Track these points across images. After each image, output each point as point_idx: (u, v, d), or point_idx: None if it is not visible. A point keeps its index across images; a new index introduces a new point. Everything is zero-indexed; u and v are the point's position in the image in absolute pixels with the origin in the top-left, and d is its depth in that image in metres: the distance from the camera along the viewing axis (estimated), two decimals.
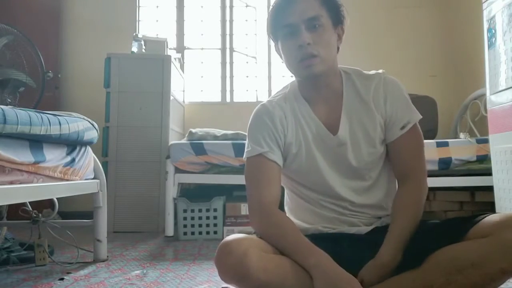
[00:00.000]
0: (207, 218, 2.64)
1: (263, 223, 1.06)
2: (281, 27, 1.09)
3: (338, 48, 1.14)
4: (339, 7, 1.12)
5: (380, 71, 1.17)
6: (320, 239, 1.07)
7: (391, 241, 1.00)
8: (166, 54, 3.13)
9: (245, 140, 3.09)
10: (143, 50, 3.15)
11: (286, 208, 1.26)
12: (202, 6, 3.93)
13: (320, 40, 1.06)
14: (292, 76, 1.22)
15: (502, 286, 0.93)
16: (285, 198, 1.27)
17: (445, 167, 2.62)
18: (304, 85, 1.16)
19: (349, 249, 1.04)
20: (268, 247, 0.99)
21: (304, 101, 1.16)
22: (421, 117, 1.13)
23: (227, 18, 3.91)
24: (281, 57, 1.16)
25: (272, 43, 1.18)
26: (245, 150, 1.17)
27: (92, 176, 1.98)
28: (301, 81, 1.17)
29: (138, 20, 3.85)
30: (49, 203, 2.18)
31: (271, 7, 1.13)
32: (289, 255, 0.98)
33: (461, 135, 2.87)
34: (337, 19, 1.11)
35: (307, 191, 1.16)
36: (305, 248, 0.98)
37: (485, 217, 0.94)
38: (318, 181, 1.13)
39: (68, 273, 1.77)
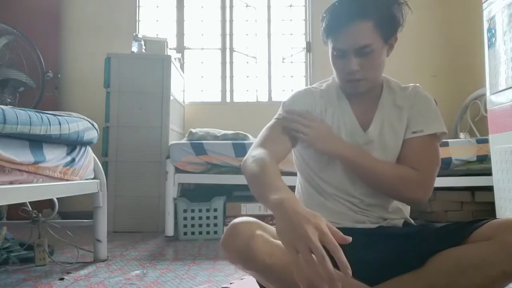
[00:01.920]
0: (207, 218, 2.65)
1: (247, 156, 1.09)
2: (332, 46, 1.09)
3: (389, 54, 1.14)
4: (395, 19, 1.07)
5: (417, 84, 1.21)
6: None
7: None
8: (166, 54, 3.13)
9: (245, 140, 3.08)
10: (143, 50, 3.15)
11: (296, 197, 1.26)
12: (202, 6, 3.93)
13: (369, 65, 1.07)
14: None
15: None
16: (296, 187, 1.28)
17: (446, 167, 2.62)
18: (345, 90, 1.19)
19: (352, 245, 1.04)
20: (275, 232, 0.99)
21: (343, 95, 1.19)
22: (440, 131, 1.12)
23: (227, 18, 3.91)
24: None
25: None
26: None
27: (92, 176, 1.98)
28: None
29: (138, 20, 3.85)
30: (49, 203, 2.18)
31: (325, 14, 1.09)
32: (256, 194, 0.95)
33: (461, 135, 2.87)
34: (390, 33, 1.08)
35: (322, 182, 1.17)
36: (272, 183, 0.91)
37: (488, 221, 0.95)
38: (337, 172, 1.14)
39: (68, 273, 1.77)
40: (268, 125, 1.19)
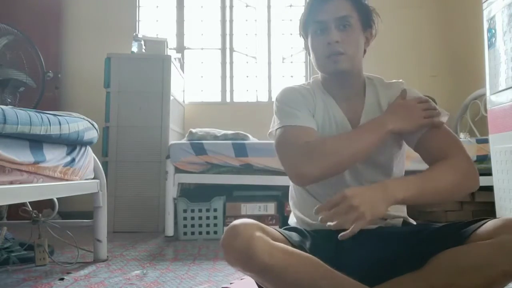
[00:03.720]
0: (207, 218, 2.64)
1: (319, 146, 1.04)
2: (312, 23, 1.14)
3: (365, 51, 1.18)
4: (370, 12, 1.16)
5: (400, 80, 1.21)
6: (323, 234, 1.07)
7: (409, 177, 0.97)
8: (166, 54, 3.13)
9: (245, 140, 3.07)
10: (143, 50, 3.15)
11: (291, 202, 1.26)
12: (202, 6, 3.93)
13: (349, 39, 1.10)
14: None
15: None
16: (290, 192, 1.28)
17: None
18: (328, 82, 1.19)
19: (352, 245, 1.04)
20: (274, 234, 0.99)
21: (328, 94, 1.19)
22: (447, 113, 1.13)
23: (227, 18, 3.91)
24: (309, 53, 1.20)
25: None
26: (275, 123, 1.15)
27: (92, 176, 1.97)
28: (326, 78, 1.19)
29: (138, 20, 3.85)
30: (49, 203, 2.18)
31: (306, 4, 1.17)
32: (358, 138, 1.04)
33: (461, 135, 2.87)
34: (367, 23, 1.15)
35: (316, 186, 1.16)
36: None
37: (488, 221, 0.94)
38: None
39: (68, 273, 1.77)
40: (283, 131, 1.11)
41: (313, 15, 1.13)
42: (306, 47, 1.21)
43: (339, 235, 0.91)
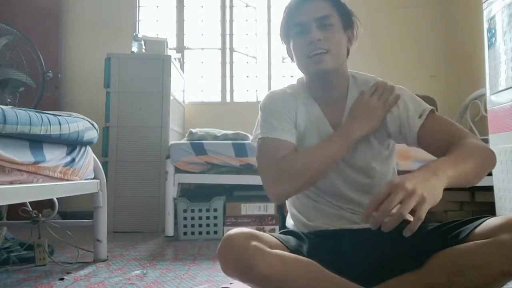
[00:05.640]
0: (207, 218, 2.65)
1: (289, 164, 1.06)
2: (293, 25, 1.12)
3: (348, 51, 1.17)
4: (350, 13, 1.15)
5: (371, 75, 1.19)
6: (320, 236, 1.08)
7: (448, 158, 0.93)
8: (166, 54, 3.13)
9: (245, 140, 3.08)
10: (143, 50, 3.15)
11: (287, 203, 1.26)
12: (202, 6, 3.93)
13: (331, 37, 1.09)
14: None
15: None
16: None
17: None
18: (313, 84, 1.18)
19: (350, 246, 1.04)
20: (271, 241, 0.99)
21: (312, 98, 1.18)
22: (430, 109, 1.12)
23: (227, 18, 3.91)
24: (292, 58, 1.19)
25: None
26: (258, 131, 1.16)
27: (92, 176, 1.98)
28: (310, 80, 1.18)
29: (138, 20, 3.85)
30: (49, 203, 2.18)
31: (284, 9, 1.15)
32: (324, 150, 1.06)
33: None
34: (348, 23, 1.14)
35: (313, 188, 1.16)
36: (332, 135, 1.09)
37: (487, 219, 0.94)
38: (327, 178, 1.14)
39: (68, 273, 1.77)
40: (259, 149, 1.13)
41: (293, 18, 1.12)
42: (289, 53, 1.20)
43: (404, 230, 0.82)
